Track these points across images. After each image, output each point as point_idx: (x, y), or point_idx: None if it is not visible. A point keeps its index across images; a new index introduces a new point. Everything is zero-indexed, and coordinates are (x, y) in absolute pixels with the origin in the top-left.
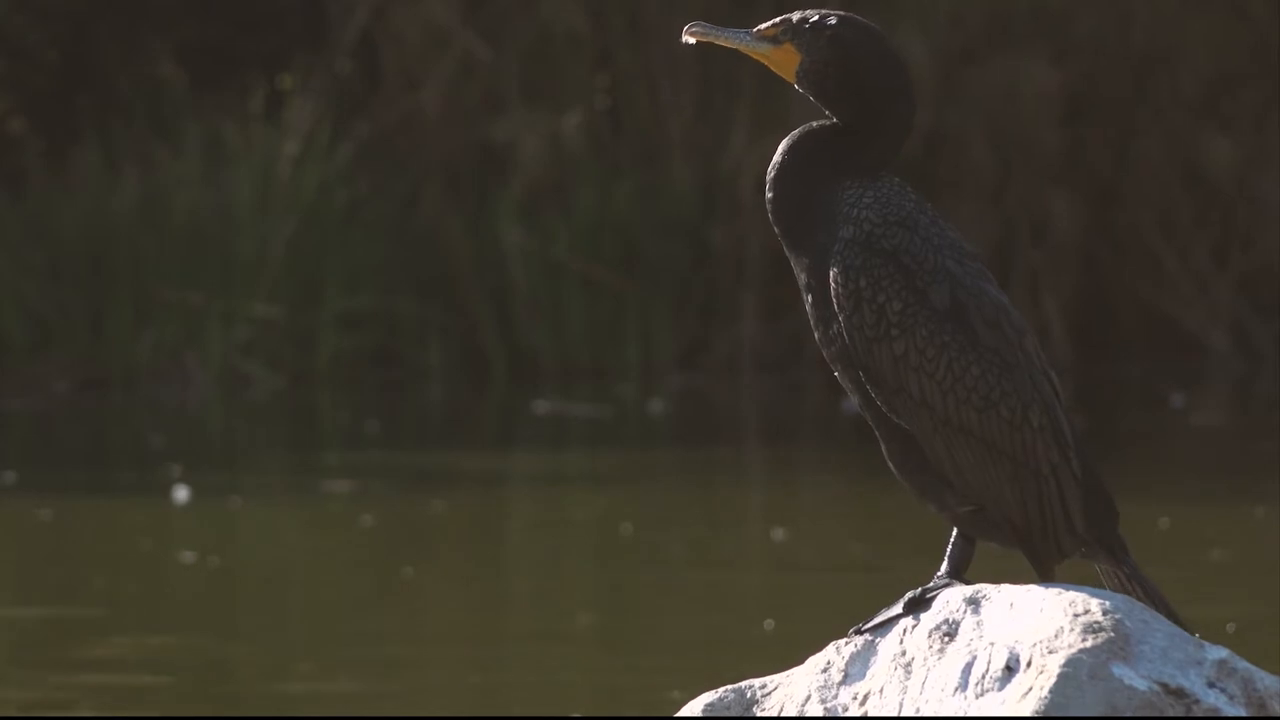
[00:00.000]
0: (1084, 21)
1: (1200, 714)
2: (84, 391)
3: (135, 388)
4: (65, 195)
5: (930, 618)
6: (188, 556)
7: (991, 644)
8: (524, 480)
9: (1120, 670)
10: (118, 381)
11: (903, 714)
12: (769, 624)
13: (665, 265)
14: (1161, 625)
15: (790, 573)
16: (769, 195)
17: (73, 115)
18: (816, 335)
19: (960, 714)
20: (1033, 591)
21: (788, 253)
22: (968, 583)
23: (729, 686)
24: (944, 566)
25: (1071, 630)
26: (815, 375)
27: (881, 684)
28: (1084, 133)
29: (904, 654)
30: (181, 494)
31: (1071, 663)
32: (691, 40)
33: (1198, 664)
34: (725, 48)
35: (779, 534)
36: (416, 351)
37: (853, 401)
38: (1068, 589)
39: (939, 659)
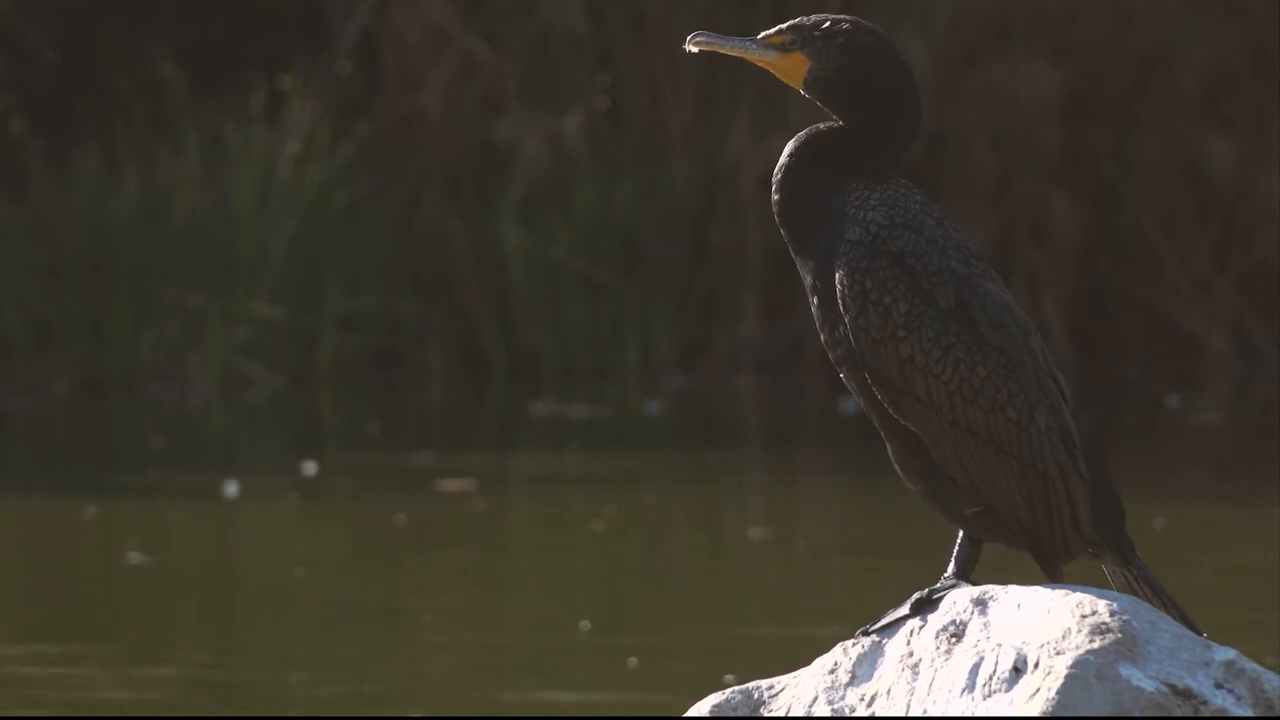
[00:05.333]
0: (1084, 22)
1: (1208, 714)
2: (84, 392)
3: (135, 388)
4: (65, 195)
5: (937, 619)
6: (184, 555)
7: (999, 645)
8: (524, 481)
9: (1128, 671)
10: (118, 381)
11: (910, 715)
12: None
13: (665, 265)
14: (1169, 626)
15: (791, 573)
16: (775, 198)
17: (73, 115)
18: (822, 337)
19: (968, 715)
20: (1040, 592)
21: (794, 255)
22: (975, 584)
23: (736, 687)
24: (951, 568)
25: (1079, 631)
26: (815, 375)
27: (889, 685)
28: (1084, 133)
29: (911, 655)
30: (232, 489)
31: (1079, 664)
32: (695, 49)
33: (1205, 665)
34: (729, 56)
35: (779, 534)
36: (417, 352)
37: (858, 403)
38: (1075, 590)
39: (946, 660)
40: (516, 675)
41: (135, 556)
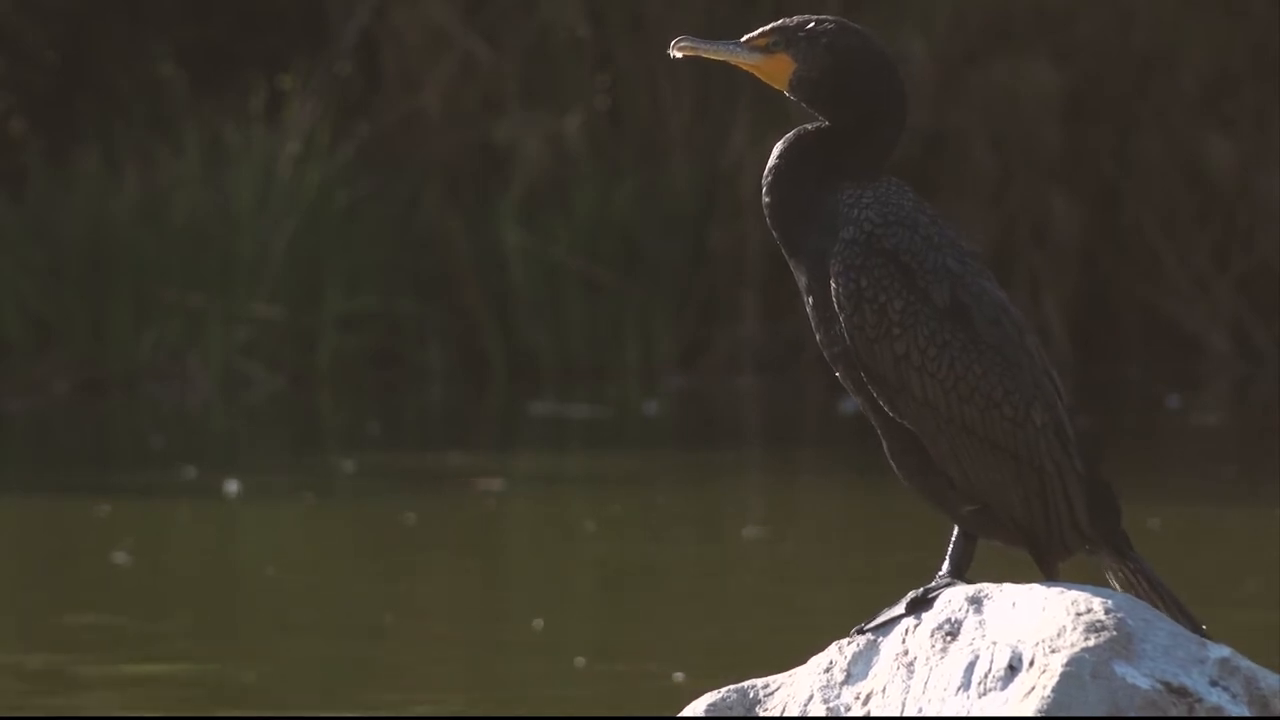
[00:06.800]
0: (1084, 22)
1: (1203, 713)
2: (84, 392)
3: (135, 388)
4: (65, 195)
5: (932, 617)
6: (183, 556)
7: (994, 643)
8: (524, 481)
9: (1123, 669)
10: (118, 381)
11: (905, 713)
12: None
13: (665, 265)
14: (1164, 624)
15: (789, 573)
16: (766, 200)
17: (73, 115)
18: (818, 337)
19: (963, 713)
20: (1035, 590)
21: (787, 256)
22: (970, 582)
23: (731, 686)
24: (946, 566)
25: (1074, 629)
26: (815, 375)
27: (884, 683)
28: (1084, 133)
29: (906, 653)
30: (233, 487)
31: (1074, 662)
32: (679, 55)
33: (1200, 663)
34: (714, 60)
35: (778, 534)
36: (417, 352)
37: (855, 402)
38: (1070, 588)
39: (941, 658)
40: (506, 675)
41: (120, 557)
